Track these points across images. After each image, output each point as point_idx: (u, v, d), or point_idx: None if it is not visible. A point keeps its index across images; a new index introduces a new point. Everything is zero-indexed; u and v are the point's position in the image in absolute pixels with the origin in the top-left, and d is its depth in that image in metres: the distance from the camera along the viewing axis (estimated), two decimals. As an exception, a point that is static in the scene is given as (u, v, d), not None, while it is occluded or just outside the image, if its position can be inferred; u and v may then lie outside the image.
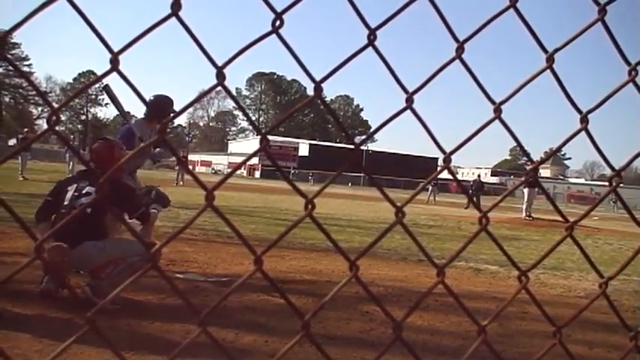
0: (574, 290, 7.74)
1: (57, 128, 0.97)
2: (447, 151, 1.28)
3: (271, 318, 4.97)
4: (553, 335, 1.43)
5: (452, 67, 1.28)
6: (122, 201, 5.05)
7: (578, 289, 7.81)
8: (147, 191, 6.04)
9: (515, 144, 1.36)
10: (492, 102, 1.29)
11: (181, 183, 31.47)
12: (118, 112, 6.87)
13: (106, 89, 6.75)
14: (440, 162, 1.32)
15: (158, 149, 7.06)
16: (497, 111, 1.28)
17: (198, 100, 1.08)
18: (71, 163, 27.50)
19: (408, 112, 1.24)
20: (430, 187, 36.63)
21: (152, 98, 6.57)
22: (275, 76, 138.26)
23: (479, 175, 35.75)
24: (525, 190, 22.20)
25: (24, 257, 4.77)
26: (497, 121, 1.31)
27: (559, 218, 1.44)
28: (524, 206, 22.12)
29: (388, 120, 1.23)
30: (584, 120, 1.36)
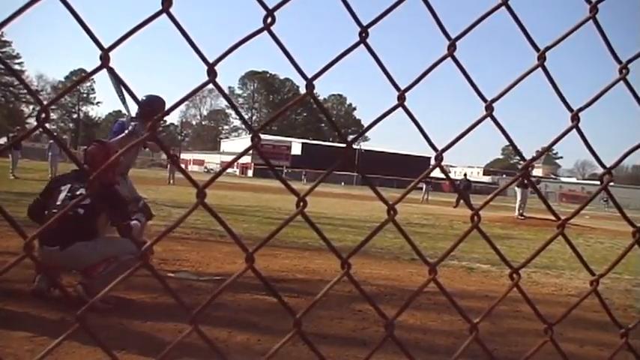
0: (565, 289, 7.77)
1: (47, 125, 0.96)
2: (439, 148, 1.28)
3: (264, 317, 4.97)
4: (544, 332, 1.43)
5: (449, 66, 1.28)
6: (112, 207, 5.03)
7: (569, 288, 7.83)
8: (135, 199, 6.02)
9: (507, 143, 1.37)
10: (484, 99, 1.29)
11: (172, 182, 31.34)
12: (119, 104, 6.85)
13: (111, 74, 6.70)
14: (433, 161, 1.32)
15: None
16: (489, 108, 1.28)
17: (189, 96, 1.07)
18: (53, 167, 26.19)
19: (402, 112, 1.24)
20: (424, 186, 36.68)
21: (144, 98, 6.55)
22: (268, 75, 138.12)
23: (465, 175, 35.95)
24: (518, 190, 22.27)
25: (15, 256, 4.76)
26: (490, 120, 1.31)
27: (551, 217, 1.45)
28: (517, 205, 22.17)
29: (380, 117, 1.23)
30: (576, 118, 1.36)
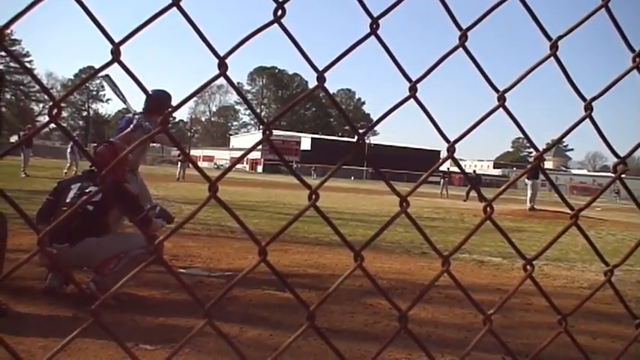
0: (577, 281, 7.74)
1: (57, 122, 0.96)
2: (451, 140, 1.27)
3: (275, 312, 4.97)
4: (558, 324, 1.42)
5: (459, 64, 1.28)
6: (124, 205, 5.05)
7: (581, 280, 7.80)
8: (151, 207, 6.03)
9: (517, 136, 1.36)
10: (496, 90, 1.28)
11: (182, 178, 31.29)
12: (122, 104, 6.86)
13: (107, 79, 6.70)
14: (442, 154, 1.31)
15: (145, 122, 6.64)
16: (501, 99, 1.27)
17: (200, 90, 1.07)
18: (73, 164, 26.57)
19: (410, 107, 1.23)
20: (442, 181, 36.62)
21: (150, 93, 6.53)
22: (276, 71, 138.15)
23: (474, 171, 36.05)
24: (529, 182, 22.15)
25: (27, 254, 4.77)
26: (500, 113, 1.30)
27: (562, 210, 1.44)
28: (528, 197, 22.02)
29: (392, 109, 1.22)
30: (589, 107, 1.35)
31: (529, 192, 22.06)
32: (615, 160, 1.44)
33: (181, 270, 6.46)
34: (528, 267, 1.38)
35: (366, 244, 1.24)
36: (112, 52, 0.95)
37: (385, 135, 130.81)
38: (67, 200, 5.04)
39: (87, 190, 5.08)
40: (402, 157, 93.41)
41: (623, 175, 1.49)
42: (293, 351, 3.89)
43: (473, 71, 1.29)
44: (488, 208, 1.30)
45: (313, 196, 1.13)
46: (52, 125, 0.99)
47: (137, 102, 6.69)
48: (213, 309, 1.09)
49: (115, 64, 0.97)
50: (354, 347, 4.25)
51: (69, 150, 27.80)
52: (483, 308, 1.39)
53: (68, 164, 26.82)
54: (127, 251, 4.90)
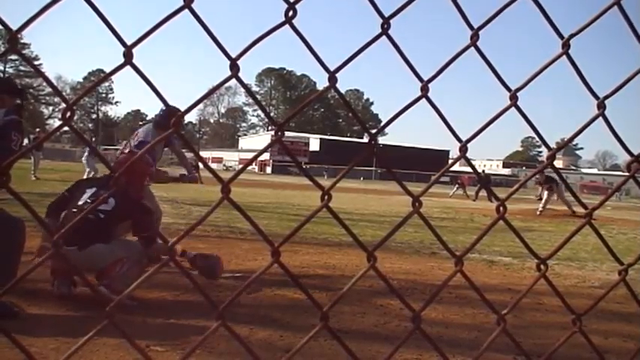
0: (588, 280, 7.71)
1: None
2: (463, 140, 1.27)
3: (285, 313, 4.98)
4: (572, 324, 1.42)
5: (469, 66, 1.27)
6: (137, 220, 5.08)
7: (592, 280, 7.77)
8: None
9: (526, 135, 1.35)
10: (508, 89, 1.28)
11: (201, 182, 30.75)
12: (131, 107, 6.95)
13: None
14: (451, 154, 1.31)
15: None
16: (514, 98, 1.27)
17: (212, 92, 1.07)
18: (89, 167, 26.20)
19: (418, 106, 1.23)
20: (456, 186, 36.28)
21: (162, 109, 6.71)
22: (285, 72, 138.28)
23: (483, 171, 35.75)
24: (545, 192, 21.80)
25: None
26: (510, 112, 1.30)
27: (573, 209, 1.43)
28: (543, 200, 21.56)
29: (403, 109, 1.22)
30: (602, 105, 1.34)
31: (544, 197, 21.66)
32: (628, 158, 1.43)
33: (191, 271, 6.47)
34: (542, 266, 1.37)
35: (378, 245, 1.24)
36: (124, 55, 0.95)
37: (393, 135, 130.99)
38: (80, 202, 5.06)
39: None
40: (411, 157, 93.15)
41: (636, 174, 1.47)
42: (304, 352, 3.87)
43: (483, 68, 1.29)
44: (500, 208, 1.29)
45: (326, 197, 1.13)
46: (64, 128, 0.99)
47: (148, 102, 6.83)
48: (226, 310, 1.09)
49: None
50: (365, 348, 4.24)
51: (85, 154, 26.91)
52: (496, 308, 1.38)
53: (88, 170, 26.12)
54: (128, 255, 4.92)
